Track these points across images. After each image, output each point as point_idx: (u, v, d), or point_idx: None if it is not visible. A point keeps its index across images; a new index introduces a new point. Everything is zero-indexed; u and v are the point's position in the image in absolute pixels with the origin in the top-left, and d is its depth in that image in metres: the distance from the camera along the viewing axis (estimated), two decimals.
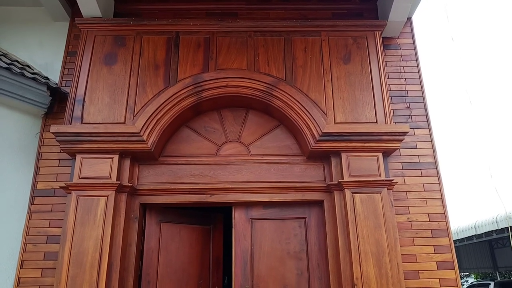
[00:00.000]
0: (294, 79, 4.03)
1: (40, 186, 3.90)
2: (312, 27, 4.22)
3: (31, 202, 3.84)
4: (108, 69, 4.01)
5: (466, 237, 13.48)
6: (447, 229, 3.88)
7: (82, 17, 4.21)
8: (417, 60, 4.53)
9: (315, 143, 3.79)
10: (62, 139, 3.68)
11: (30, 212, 3.80)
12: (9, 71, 3.72)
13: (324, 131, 3.78)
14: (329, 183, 3.82)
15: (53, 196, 3.86)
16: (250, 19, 4.44)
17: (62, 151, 3.78)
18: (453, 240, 3.99)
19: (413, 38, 4.64)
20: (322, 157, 3.96)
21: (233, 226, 3.92)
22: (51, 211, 3.81)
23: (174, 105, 3.88)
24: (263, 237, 3.89)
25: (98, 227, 3.46)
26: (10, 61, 3.87)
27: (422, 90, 4.39)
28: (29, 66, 4.15)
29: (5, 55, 3.99)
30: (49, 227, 3.76)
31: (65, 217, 3.55)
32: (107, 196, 3.56)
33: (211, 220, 4.44)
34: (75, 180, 3.62)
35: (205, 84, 3.95)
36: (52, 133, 3.68)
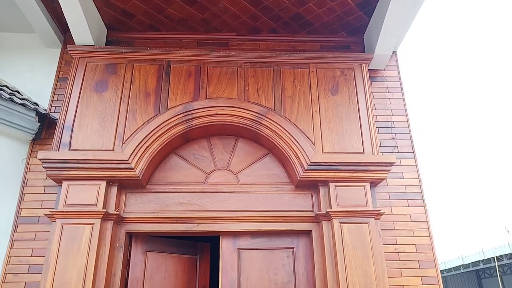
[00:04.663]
0: (283, 109, 4.09)
1: (24, 213, 3.81)
2: (301, 58, 4.33)
3: (14, 229, 3.74)
4: (99, 96, 4.03)
5: (453, 267, 13.49)
6: (434, 260, 3.89)
7: (74, 44, 4.25)
8: (402, 92, 4.65)
9: (304, 172, 3.82)
10: (49, 165, 3.64)
11: (12, 240, 3.70)
12: None
13: (312, 161, 3.81)
14: (317, 212, 3.83)
15: (37, 223, 3.77)
16: (241, 50, 4.55)
17: (48, 177, 3.72)
18: (441, 270, 3.99)
19: (398, 71, 4.78)
20: (310, 186, 3.98)
21: (220, 256, 3.86)
22: (34, 239, 3.71)
23: (164, 132, 3.89)
24: (251, 267, 3.84)
25: (82, 256, 3.38)
26: (0, 87, 3.86)
27: (407, 121, 4.50)
28: (18, 92, 4.14)
29: None
30: (31, 256, 3.65)
31: (48, 245, 3.47)
32: (93, 224, 3.50)
33: (198, 249, 4.37)
34: (61, 207, 3.56)
35: (195, 113, 3.99)
36: (39, 159, 3.64)
